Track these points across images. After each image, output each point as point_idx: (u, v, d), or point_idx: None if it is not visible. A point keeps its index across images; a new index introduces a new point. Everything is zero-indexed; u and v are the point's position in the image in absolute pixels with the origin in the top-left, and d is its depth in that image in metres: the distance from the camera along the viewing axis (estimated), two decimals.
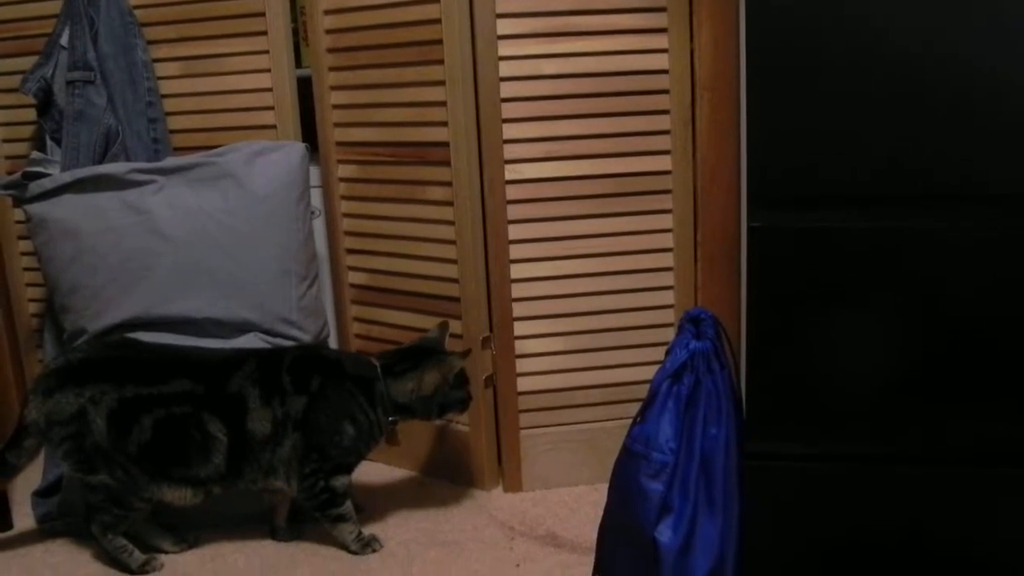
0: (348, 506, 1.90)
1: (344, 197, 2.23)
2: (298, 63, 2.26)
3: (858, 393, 1.43)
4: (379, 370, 1.90)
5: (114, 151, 2.12)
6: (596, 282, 2.06)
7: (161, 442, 1.79)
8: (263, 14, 2.12)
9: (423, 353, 1.94)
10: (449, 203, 2.05)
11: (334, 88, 2.17)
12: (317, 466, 1.85)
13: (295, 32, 2.35)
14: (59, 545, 1.97)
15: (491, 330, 2.09)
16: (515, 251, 2.03)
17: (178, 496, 1.84)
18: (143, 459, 1.80)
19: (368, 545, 1.90)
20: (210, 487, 1.84)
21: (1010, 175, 1.32)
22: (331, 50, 2.15)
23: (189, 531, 1.96)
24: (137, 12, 2.16)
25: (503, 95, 1.97)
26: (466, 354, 1.94)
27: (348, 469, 1.90)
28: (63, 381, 1.80)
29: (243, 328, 2.00)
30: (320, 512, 1.88)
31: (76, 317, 2.03)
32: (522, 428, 2.11)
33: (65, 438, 1.79)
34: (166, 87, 2.21)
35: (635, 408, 1.56)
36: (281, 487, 1.88)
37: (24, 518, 2.04)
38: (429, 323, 2.12)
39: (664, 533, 1.48)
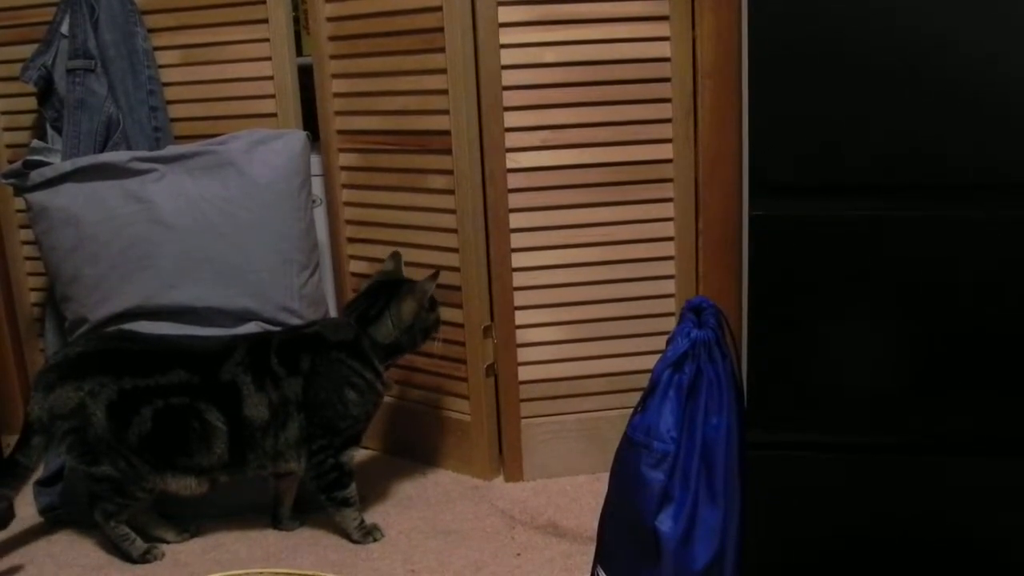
0: (353, 489, 1.90)
1: (345, 186, 2.22)
2: (299, 51, 2.25)
3: (860, 382, 1.42)
4: (356, 325, 1.89)
5: (115, 140, 2.12)
6: (598, 271, 2.06)
7: (162, 433, 1.80)
8: (264, 2, 2.12)
9: (388, 287, 1.92)
10: (450, 191, 2.05)
11: (335, 76, 2.16)
12: (326, 442, 1.85)
13: (296, 20, 2.34)
14: (61, 534, 1.97)
15: (492, 319, 2.08)
16: (516, 240, 2.03)
17: (183, 486, 1.84)
18: (144, 450, 1.80)
19: (370, 534, 1.90)
20: (215, 475, 1.85)
21: (1015, 163, 1.32)
22: (332, 38, 2.14)
23: (191, 521, 1.97)
24: (137, 0, 2.16)
25: (504, 83, 1.97)
26: (435, 276, 1.93)
27: (356, 440, 1.90)
28: (63, 376, 1.81)
29: (244, 317, 2.00)
30: (326, 494, 1.88)
31: (77, 306, 2.03)
32: (523, 417, 2.11)
33: (67, 432, 1.80)
34: (167, 75, 2.21)
35: (636, 397, 1.56)
36: (294, 469, 1.88)
37: (27, 507, 2.04)
38: None
39: (665, 522, 1.48)
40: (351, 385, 1.86)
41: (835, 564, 1.51)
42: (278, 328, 2.00)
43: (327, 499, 1.89)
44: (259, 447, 1.83)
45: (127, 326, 1.96)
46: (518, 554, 1.84)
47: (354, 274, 2.26)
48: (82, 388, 1.79)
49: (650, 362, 1.56)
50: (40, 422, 1.81)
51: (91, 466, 1.81)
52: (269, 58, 2.15)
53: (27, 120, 2.31)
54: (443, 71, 1.99)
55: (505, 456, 2.15)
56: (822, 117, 1.34)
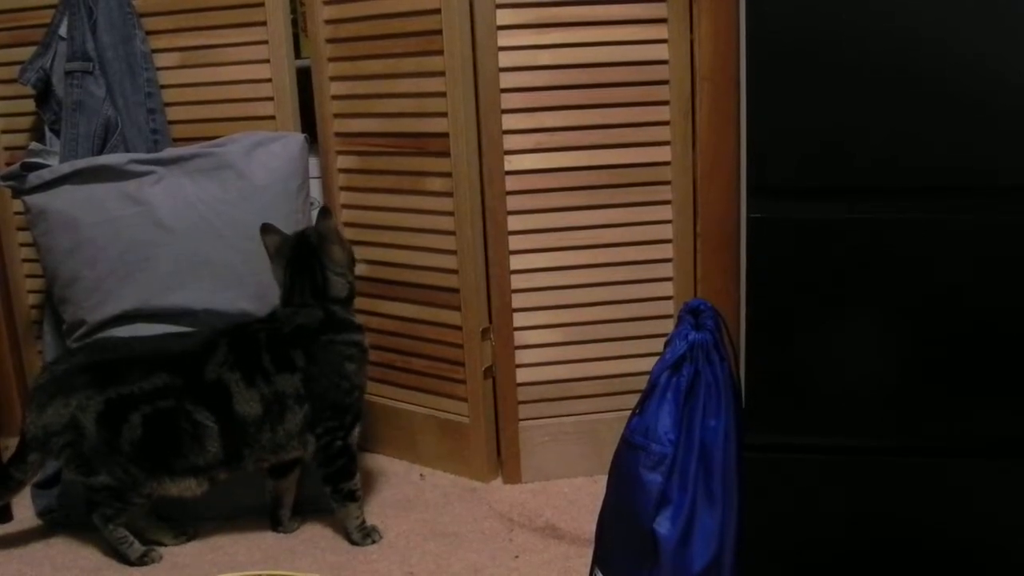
0: (358, 481, 1.90)
1: (343, 188, 2.22)
2: (297, 53, 2.25)
3: (858, 385, 1.42)
4: (318, 304, 1.88)
5: (113, 142, 2.12)
6: (596, 273, 2.06)
7: (153, 437, 1.80)
8: (262, 4, 2.12)
9: (302, 255, 1.89)
10: (449, 194, 2.05)
11: (333, 79, 2.16)
12: (335, 424, 1.86)
13: (294, 22, 2.34)
14: (59, 537, 1.97)
15: (490, 321, 2.08)
16: (515, 242, 2.03)
17: (184, 488, 1.84)
18: (138, 456, 1.80)
19: (369, 535, 1.90)
20: (213, 474, 1.85)
21: (1013, 166, 1.32)
22: (330, 40, 2.14)
23: (189, 523, 1.96)
24: (136, 2, 2.16)
25: (503, 85, 1.97)
26: (324, 211, 1.92)
27: (360, 414, 1.91)
28: (52, 394, 1.82)
29: (243, 319, 2.00)
30: (333, 485, 1.88)
31: (75, 308, 2.03)
32: (521, 419, 2.11)
33: (63, 447, 1.81)
34: (165, 78, 2.21)
35: (634, 399, 1.56)
36: (299, 455, 1.89)
37: (24, 510, 2.04)
38: (429, 314, 2.13)
39: (663, 525, 1.48)
40: (348, 358, 1.87)
41: (833, 566, 1.51)
42: (252, 320, 1.96)
43: (333, 491, 1.89)
44: (255, 442, 1.84)
45: (124, 329, 1.96)
46: (516, 556, 1.84)
47: None
48: (70, 404, 1.80)
49: (648, 364, 1.57)
50: (37, 440, 1.82)
51: (88, 477, 1.82)
52: (267, 60, 2.15)
53: (25, 122, 2.31)
54: (441, 73, 1.99)
55: (503, 458, 2.15)
56: (821, 119, 1.35)
